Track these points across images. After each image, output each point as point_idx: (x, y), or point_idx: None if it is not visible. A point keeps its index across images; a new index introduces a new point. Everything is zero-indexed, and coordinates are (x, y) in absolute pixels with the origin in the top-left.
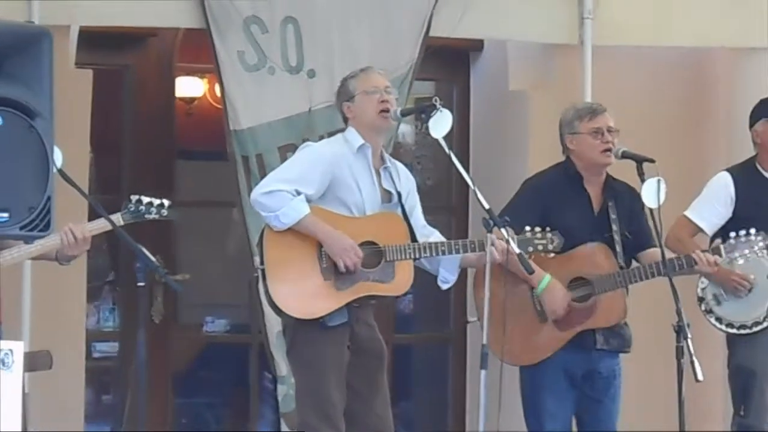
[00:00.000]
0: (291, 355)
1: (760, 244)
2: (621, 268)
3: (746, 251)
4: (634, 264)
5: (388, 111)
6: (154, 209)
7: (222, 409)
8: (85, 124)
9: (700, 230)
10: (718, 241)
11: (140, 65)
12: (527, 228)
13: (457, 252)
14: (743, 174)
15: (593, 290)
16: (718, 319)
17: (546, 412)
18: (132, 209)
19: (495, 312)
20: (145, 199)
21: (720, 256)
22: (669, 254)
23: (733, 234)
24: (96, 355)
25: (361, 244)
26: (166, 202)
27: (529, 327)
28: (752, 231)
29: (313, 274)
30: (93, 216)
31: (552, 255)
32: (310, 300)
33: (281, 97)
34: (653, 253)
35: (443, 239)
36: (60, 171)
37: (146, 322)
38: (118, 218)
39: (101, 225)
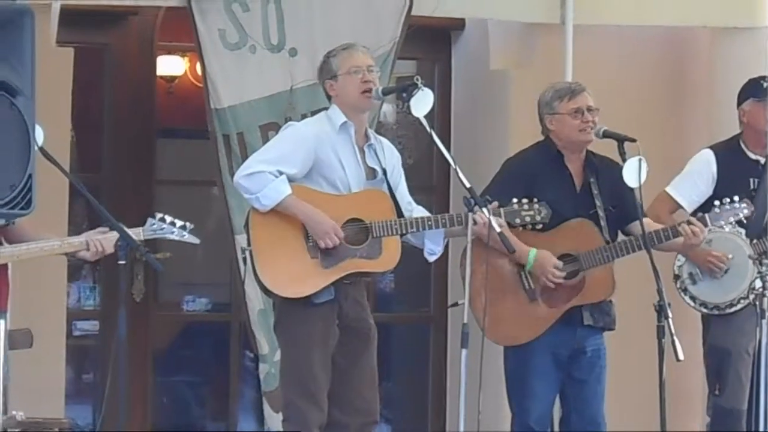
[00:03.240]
0: (277, 332)
1: (745, 212)
2: (607, 242)
3: (731, 219)
4: (622, 237)
5: (371, 91)
6: (175, 230)
7: (202, 387)
8: (66, 102)
9: (680, 207)
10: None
11: (121, 44)
12: (514, 200)
13: (443, 226)
14: (726, 152)
15: (581, 266)
16: (693, 298)
17: (531, 393)
18: (155, 226)
19: (481, 292)
20: (168, 218)
21: (705, 225)
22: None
23: (717, 203)
24: (76, 333)
25: (348, 222)
26: (188, 225)
27: (519, 306)
28: (736, 199)
29: (299, 254)
30: (73, 195)
31: (540, 226)
32: (297, 279)
33: (262, 75)
34: (639, 226)
35: (428, 214)
36: (41, 149)
37: (127, 301)
38: (139, 233)
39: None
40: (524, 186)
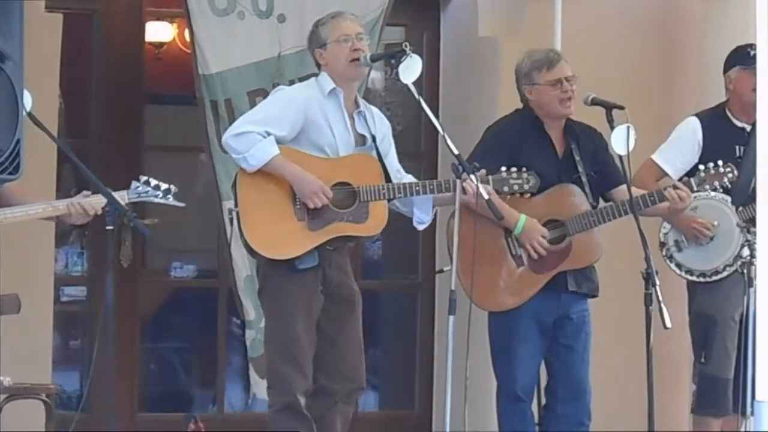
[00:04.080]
0: (261, 298)
1: (729, 176)
2: (593, 207)
3: (716, 183)
4: (604, 203)
5: (360, 59)
6: (160, 193)
7: (190, 354)
8: (54, 68)
9: (666, 175)
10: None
11: (110, 10)
12: (503, 168)
13: (431, 192)
14: (712, 120)
15: (567, 231)
16: (678, 266)
17: (516, 360)
18: (139, 189)
19: (469, 257)
20: (153, 182)
21: (691, 189)
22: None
23: (702, 167)
24: (64, 299)
25: (335, 185)
26: (172, 188)
27: (506, 272)
28: (720, 163)
29: (286, 216)
30: (61, 160)
31: (528, 195)
32: (283, 241)
33: (251, 41)
34: (624, 190)
35: (417, 181)
36: (29, 114)
37: (114, 267)
38: (123, 196)
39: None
40: (507, 153)
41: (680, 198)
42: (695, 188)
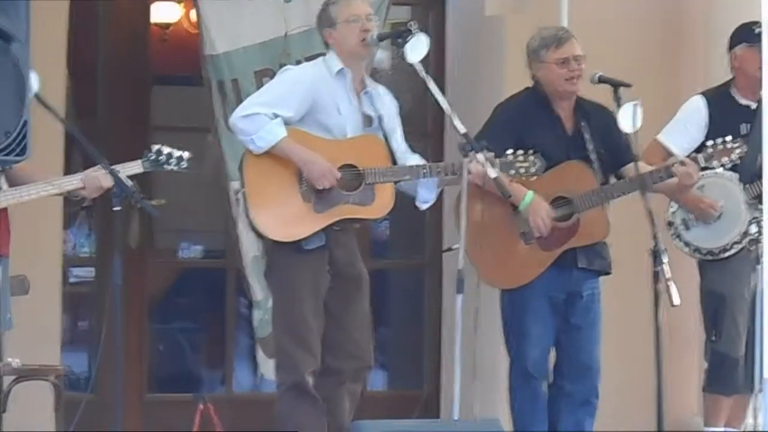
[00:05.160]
0: (268, 279)
1: (738, 151)
2: (600, 185)
3: (724, 159)
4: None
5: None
6: (174, 160)
7: (198, 334)
8: (61, 48)
9: (672, 155)
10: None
11: None
12: (509, 151)
13: (438, 175)
14: (717, 98)
15: (575, 208)
16: (686, 244)
17: (528, 337)
18: (153, 158)
19: (476, 236)
20: (165, 150)
21: (699, 165)
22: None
23: (710, 143)
24: (72, 280)
25: (341, 167)
26: (185, 155)
27: (514, 249)
28: (728, 139)
29: (292, 197)
30: (69, 141)
31: (534, 178)
32: (289, 223)
33: (257, 21)
34: (634, 169)
35: (424, 162)
36: (36, 95)
37: (122, 248)
38: (138, 165)
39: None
40: (515, 131)
41: (688, 174)
42: (703, 164)
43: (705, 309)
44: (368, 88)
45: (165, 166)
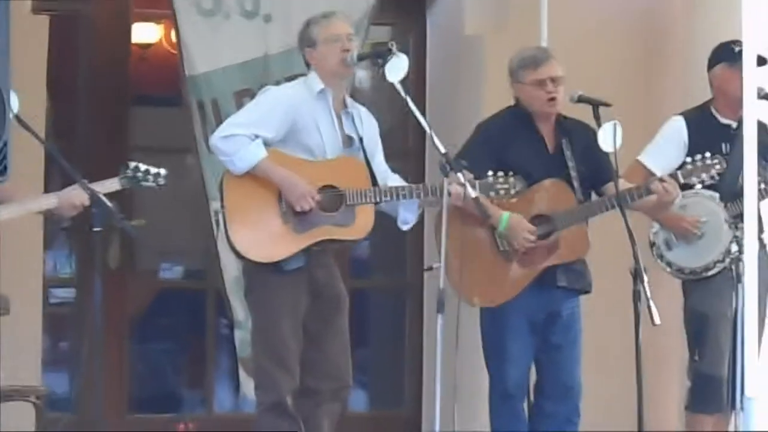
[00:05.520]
0: (248, 299)
1: (717, 167)
2: (580, 202)
3: (703, 175)
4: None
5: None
6: (151, 177)
7: (179, 354)
8: (41, 69)
9: (653, 175)
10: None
11: (96, 11)
12: (489, 173)
13: (418, 196)
14: (697, 118)
15: (554, 226)
16: (669, 264)
17: (508, 356)
18: (130, 175)
19: (457, 255)
20: (143, 167)
21: (678, 182)
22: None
23: (689, 159)
24: (53, 301)
25: (322, 188)
26: (162, 171)
27: (494, 267)
28: (707, 155)
29: (272, 218)
30: (49, 162)
31: (514, 200)
32: (269, 243)
33: (237, 42)
34: (614, 187)
35: (404, 183)
36: (16, 116)
37: (102, 268)
38: (116, 182)
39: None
40: (496, 150)
41: (667, 190)
42: (682, 180)
43: (688, 328)
44: (349, 108)
45: (143, 183)
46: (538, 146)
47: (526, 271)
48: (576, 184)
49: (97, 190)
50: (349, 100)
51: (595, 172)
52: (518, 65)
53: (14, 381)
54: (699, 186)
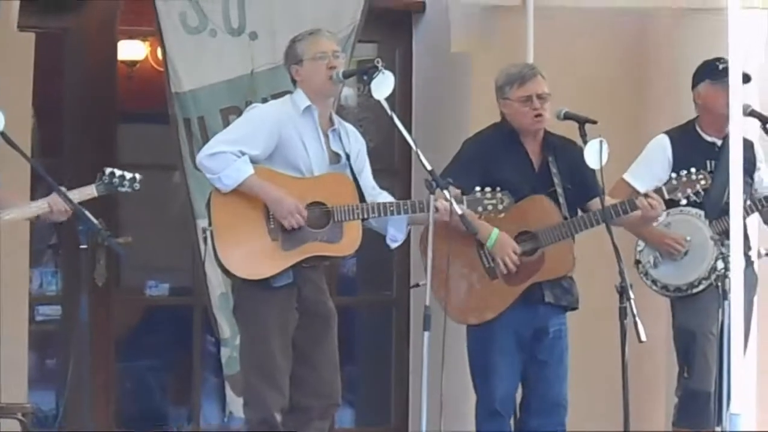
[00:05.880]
0: (237, 316)
1: (702, 182)
2: (565, 219)
3: (688, 191)
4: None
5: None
6: (127, 182)
7: (165, 372)
8: (27, 87)
9: (638, 193)
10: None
11: (82, 28)
12: (477, 188)
13: (406, 212)
14: (682, 136)
15: (539, 243)
16: (654, 282)
17: (495, 373)
18: (106, 181)
19: (443, 272)
20: (118, 172)
21: (663, 197)
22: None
23: (674, 174)
24: (39, 318)
25: (309, 205)
26: (137, 176)
27: (480, 284)
28: (692, 170)
29: (260, 235)
30: (35, 179)
31: (502, 215)
32: (256, 261)
33: (223, 59)
34: (599, 203)
35: (392, 200)
36: (2, 134)
37: (89, 286)
38: (92, 190)
39: (85, 193)
40: (483, 166)
41: (651, 206)
42: (667, 196)
43: (677, 346)
44: (336, 125)
45: (119, 188)
46: (524, 163)
47: (511, 288)
48: (561, 200)
49: (74, 197)
50: (336, 118)
51: (581, 188)
52: (505, 82)
53: (0, 398)
54: (684, 202)
